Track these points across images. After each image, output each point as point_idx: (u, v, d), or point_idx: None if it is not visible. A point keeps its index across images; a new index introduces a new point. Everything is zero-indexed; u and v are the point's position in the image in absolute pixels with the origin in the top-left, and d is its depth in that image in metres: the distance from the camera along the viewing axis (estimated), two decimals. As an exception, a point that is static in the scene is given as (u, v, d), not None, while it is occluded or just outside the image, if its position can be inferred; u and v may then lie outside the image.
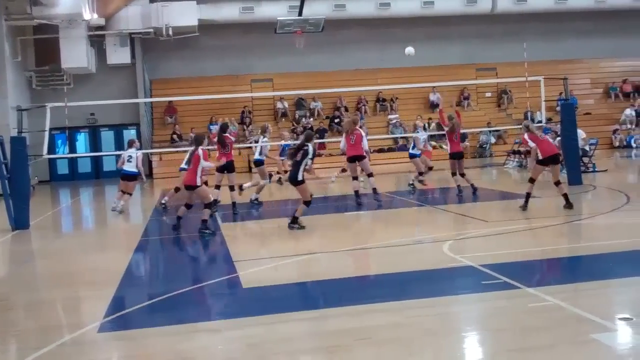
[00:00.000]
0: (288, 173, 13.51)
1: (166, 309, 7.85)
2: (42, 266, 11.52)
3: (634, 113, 33.19)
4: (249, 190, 17.28)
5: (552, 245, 10.24)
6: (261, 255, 10.69)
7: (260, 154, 17.20)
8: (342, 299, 7.88)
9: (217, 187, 16.13)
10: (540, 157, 13.38)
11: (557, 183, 13.49)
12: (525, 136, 13.81)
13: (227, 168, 15.76)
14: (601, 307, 6.80)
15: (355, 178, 16.04)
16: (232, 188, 15.95)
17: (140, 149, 18.38)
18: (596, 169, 20.75)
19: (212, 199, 13.09)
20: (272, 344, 6.33)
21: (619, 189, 16.78)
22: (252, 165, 18.31)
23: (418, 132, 20.13)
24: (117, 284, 9.02)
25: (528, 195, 13.51)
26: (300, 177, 12.40)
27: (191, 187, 12.84)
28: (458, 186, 16.57)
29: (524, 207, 13.44)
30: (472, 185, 16.65)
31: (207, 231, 12.61)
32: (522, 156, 24.48)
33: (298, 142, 13.60)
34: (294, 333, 6.63)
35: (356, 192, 15.80)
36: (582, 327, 6.19)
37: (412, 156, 19.05)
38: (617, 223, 12.00)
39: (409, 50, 18.73)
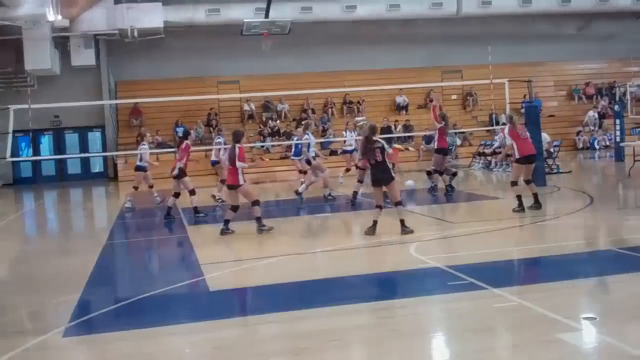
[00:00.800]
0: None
1: (132, 313, 7.79)
2: (5, 271, 11.34)
3: (596, 115, 33.64)
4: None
5: (517, 246, 10.35)
6: (228, 258, 10.64)
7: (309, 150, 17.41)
8: (311, 301, 7.89)
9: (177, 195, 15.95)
10: (517, 156, 13.25)
11: (528, 182, 13.44)
12: (506, 130, 13.64)
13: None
14: (566, 307, 6.89)
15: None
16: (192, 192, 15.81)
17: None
18: (560, 171, 21.00)
19: (256, 196, 12.93)
20: (239, 346, 6.31)
21: (582, 190, 17.01)
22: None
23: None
24: (82, 288, 8.92)
25: (520, 198, 13.17)
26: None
27: (234, 186, 12.64)
28: (447, 186, 16.81)
29: (521, 209, 13.06)
30: (448, 185, 16.82)
31: (264, 227, 12.49)
32: (487, 158, 24.74)
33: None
34: (261, 335, 6.62)
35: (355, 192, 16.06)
36: (547, 326, 6.25)
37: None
38: (581, 224, 12.16)
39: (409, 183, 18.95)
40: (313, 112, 33.13)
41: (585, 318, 6.42)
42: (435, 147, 17.24)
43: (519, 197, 13.16)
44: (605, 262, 8.95)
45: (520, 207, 13.05)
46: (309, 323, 6.93)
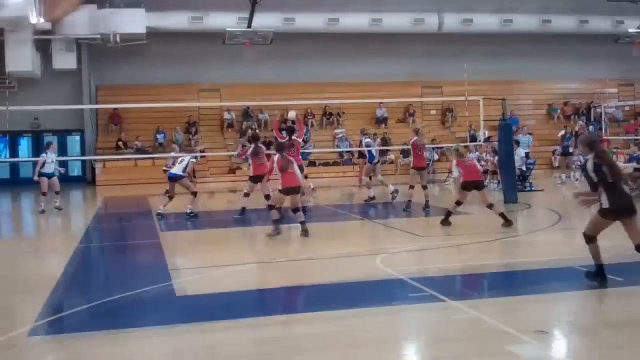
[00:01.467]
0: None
1: (98, 315, 7.92)
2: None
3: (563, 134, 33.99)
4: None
5: (480, 260, 10.55)
6: (197, 264, 10.77)
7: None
8: (274, 308, 8.09)
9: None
10: (461, 180, 13.91)
11: (490, 206, 13.73)
12: (454, 162, 14.19)
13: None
14: (520, 321, 7.10)
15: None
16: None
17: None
18: (532, 188, 21.28)
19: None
20: (199, 350, 6.45)
21: (552, 208, 17.27)
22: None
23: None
24: (50, 289, 9.03)
25: (449, 213, 13.87)
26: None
27: (296, 189, 13.13)
28: (426, 201, 16.96)
29: (446, 222, 13.78)
30: (427, 201, 17.06)
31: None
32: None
33: None
34: (221, 340, 6.77)
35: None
36: (498, 339, 6.45)
37: None
38: (544, 240, 12.41)
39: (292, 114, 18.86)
40: (293, 122, 33.20)
41: (536, 331, 6.62)
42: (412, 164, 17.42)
43: (448, 212, 13.89)
44: (564, 278, 9.16)
45: (508, 221, 13.40)
46: (267, 330, 7.10)
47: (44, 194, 18.71)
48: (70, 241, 13.52)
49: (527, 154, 24.21)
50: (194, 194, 16.70)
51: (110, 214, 17.08)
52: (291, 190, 12.89)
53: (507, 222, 13.43)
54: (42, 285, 9.23)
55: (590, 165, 8.38)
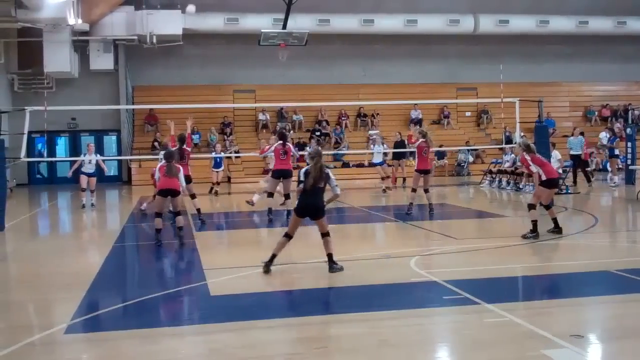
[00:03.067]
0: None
1: (133, 314, 8.02)
2: (15, 268, 11.63)
3: (607, 136, 33.54)
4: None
5: (515, 263, 10.48)
6: (231, 264, 10.83)
7: None
8: (308, 309, 8.10)
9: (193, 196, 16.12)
10: (545, 179, 12.48)
11: (548, 207, 13.03)
12: (527, 157, 12.71)
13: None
14: (555, 325, 7.03)
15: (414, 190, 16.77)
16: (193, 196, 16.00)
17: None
18: (569, 191, 21.06)
19: None
20: (234, 349, 6.50)
21: (589, 211, 17.10)
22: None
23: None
24: (87, 287, 9.16)
25: (535, 223, 12.39)
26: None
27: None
28: (430, 204, 16.75)
29: (535, 234, 12.32)
30: (430, 204, 16.80)
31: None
32: (492, 175, 24.90)
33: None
34: (255, 340, 6.80)
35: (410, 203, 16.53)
36: (534, 342, 6.40)
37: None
38: (581, 244, 12.27)
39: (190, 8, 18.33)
40: (327, 123, 33.33)
41: (572, 336, 6.55)
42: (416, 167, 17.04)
43: (534, 222, 12.39)
44: (600, 283, 9.06)
45: (535, 233, 12.31)
46: (300, 330, 7.13)
47: (83, 190, 19.99)
48: (106, 240, 13.69)
49: (578, 156, 23.94)
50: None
51: (145, 213, 17.21)
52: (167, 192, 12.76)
53: (557, 229, 12.71)
54: (79, 283, 9.36)
55: None
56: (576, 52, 36.11)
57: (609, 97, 37.09)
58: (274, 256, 9.77)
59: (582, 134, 24.76)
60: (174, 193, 12.77)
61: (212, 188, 24.08)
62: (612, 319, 7.46)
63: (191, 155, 15.98)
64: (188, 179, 15.53)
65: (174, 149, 14.61)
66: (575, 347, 6.25)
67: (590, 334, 6.87)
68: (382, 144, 24.33)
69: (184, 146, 15.69)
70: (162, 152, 14.19)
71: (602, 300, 8.13)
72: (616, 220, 16.58)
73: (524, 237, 12.30)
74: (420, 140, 17.03)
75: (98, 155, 21.23)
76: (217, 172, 24.35)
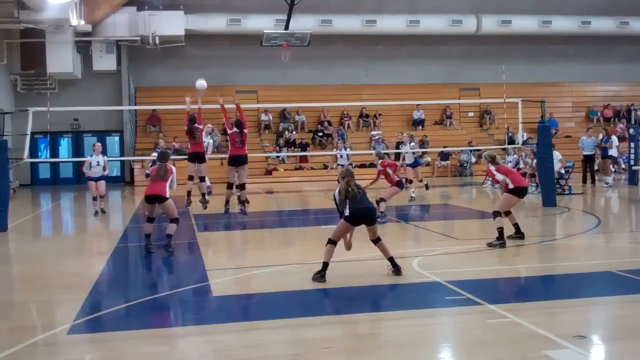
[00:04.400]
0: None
1: (136, 314, 8.03)
2: (17, 269, 11.64)
3: (613, 137, 33.49)
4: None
5: (517, 264, 10.48)
6: (234, 264, 10.85)
7: None
8: (311, 309, 8.10)
9: (190, 177, 15.92)
10: (512, 187, 12.18)
11: (508, 213, 12.50)
12: (492, 168, 12.58)
13: (198, 158, 15.76)
14: (558, 325, 7.02)
15: None
16: (202, 179, 15.90)
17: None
18: (572, 192, 21.04)
19: None
20: (237, 350, 6.50)
21: (592, 212, 17.09)
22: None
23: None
24: (89, 288, 9.17)
25: (502, 231, 11.80)
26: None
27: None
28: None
29: (502, 243, 11.69)
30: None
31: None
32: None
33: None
34: (258, 340, 6.80)
35: None
36: (536, 343, 6.40)
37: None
38: (583, 245, 12.27)
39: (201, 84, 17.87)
40: (329, 124, 33.34)
41: (575, 336, 6.55)
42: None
43: (500, 230, 11.80)
44: (602, 283, 9.05)
45: (501, 240, 11.68)
46: (303, 331, 7.13)
47: (94, 198, 18.25)
48: (109, 241, 13.71)
49: (589, 157, 23.92)
50: None
51: (137, 214, 17.24)
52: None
53: (520, 234, 12.34)
54: (82, 284, 9.37)
55: None
56: (579, 52, 36.09)
57: (611, 98, 37.05)
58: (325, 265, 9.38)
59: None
60: (159, 199, 11.87)
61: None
62: (615, 319, 7.45)
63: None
64: (201, 158, 15.65)
65: (168, 149, 14.25)
66: (578, 348, 6.24)
67: (593, 335, 6.87)
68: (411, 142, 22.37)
69: (195, 124, 15.71)
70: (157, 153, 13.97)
71: (605, 301, 8.12)
72: (619, 220, 16.56)
73: (490, 245, 11.73)
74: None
75: (105, 156, 19.71)
76: None
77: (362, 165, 31.15)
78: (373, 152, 14.74)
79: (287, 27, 29.01)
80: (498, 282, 9.26)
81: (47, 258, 12.22)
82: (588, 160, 24.09)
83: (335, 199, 9.53)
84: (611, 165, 26.08)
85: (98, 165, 18.33)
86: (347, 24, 32.55)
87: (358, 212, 9.34)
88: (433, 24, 33.24)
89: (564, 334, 6.62)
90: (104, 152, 31.69)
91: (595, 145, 23.99)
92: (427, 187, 21.71)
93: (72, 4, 27.27)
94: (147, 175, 16.65)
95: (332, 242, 9.44)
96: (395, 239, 13.77)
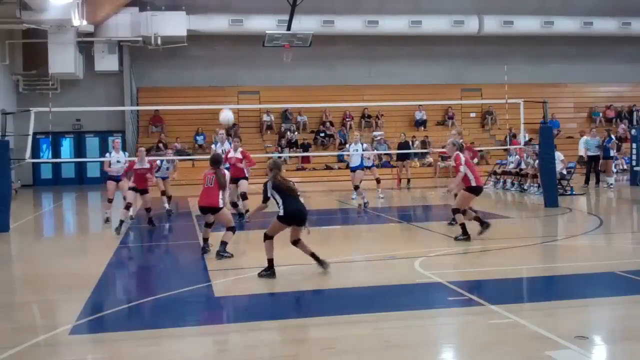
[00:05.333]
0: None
1: (138, 315, 8.03)
2: (19, 269, 11.64)
3: (614, 138, 33.47)
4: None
5: (519, 265, 10.46)
6: (236, 265, 10.84)
7: None
8: (313, 310, 8.11)
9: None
10: (474, 185, 12.48)
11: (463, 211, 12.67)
12: (462, 157, 12.50)
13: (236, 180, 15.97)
14: (560, 326, 7.02)
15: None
16: (244, 196, 16.08)
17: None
18: (574, 192, 21.02)
19: None
20: (239, 350, 6.51)
21: (594, 212, 17.07)
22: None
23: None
24: (91, 288, 9.17)
25: (464, 226, 12.35)
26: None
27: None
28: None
29: (467, 237, 12.25)
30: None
31: None
32: (497, 176, 24.88)
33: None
34: (260, 341, 6.80)
35: None
36: (539, 344, 6.39)
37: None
38: (585, 245, 12.26)
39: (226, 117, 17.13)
40: (331, 124, 33.36)
41: (577, 337, 6.54)
42: None
43: (463, 225, 12.34)
44: (605, 284, 9.04)
45: (466, 235, 12.22)
46: (305, 331, 7.14)
47: (110, 200, 17.03)
48: (111, 241, 13.70)
49: (594, 157, 23.89)
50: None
51: (140, 214, 17.22)
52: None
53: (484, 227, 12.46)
54: (84, 284, 9.37)
55: None
56: (581, 53, 36.09)
57: (614, 98, 37.04)
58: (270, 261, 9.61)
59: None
60: (213, 210, 11.50)
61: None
62: (617, 320, 7.44)
63: (192, 157, 15.68)
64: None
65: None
66: (580, 349, 6.23)
67: (595, 336, 6.86)
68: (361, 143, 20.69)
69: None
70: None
71: (607, 302, 8.11)
72: (621, 221, 16.54)
73: (456, 239, 12.21)
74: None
75: (126, 153, 18.60)
76: None
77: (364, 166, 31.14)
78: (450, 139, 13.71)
79: (289, 28, 29.02)
80: (500, 282, 9.24)
81: (49, 258, 12.23)
82: (592, 160, 24.05)
83: (266, 189, 9.73)
84: (613, 166, 26.06)
85: (118, 163, 16.96)
86: (349, 24, 32.56)
87: (294, 212, 9.59)
88: (435, 24, 33.24)
89: (565, 334, 6.61)
90: (105, 154, 32.00)
91: (597, 146, 23.95)
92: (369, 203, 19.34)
93: (74, 4, 27.30)
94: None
95: (268, 237, 9.74)
96: (397, 239, 13.78)
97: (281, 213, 9.55)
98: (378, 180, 20.72)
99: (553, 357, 6.00)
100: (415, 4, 32.88)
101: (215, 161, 11.53)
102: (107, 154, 17.75)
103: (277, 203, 9.58)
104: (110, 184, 17.00)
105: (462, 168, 12.37)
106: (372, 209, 18.21)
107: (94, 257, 12.09)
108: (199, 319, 7.88)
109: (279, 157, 30.68)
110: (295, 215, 9.61)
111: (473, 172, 12.49)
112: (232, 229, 11.43)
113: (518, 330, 6.87)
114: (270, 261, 9.56)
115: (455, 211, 12.49)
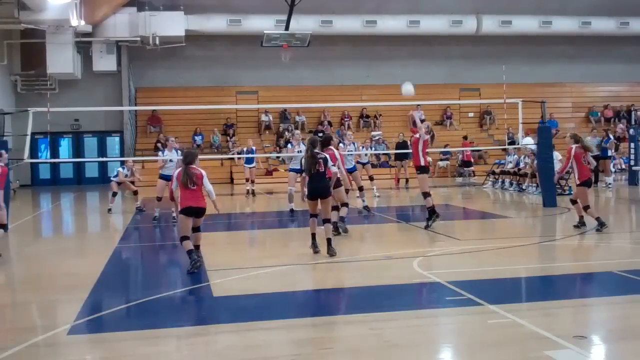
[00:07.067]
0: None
1: (136, 315, 8.03)
2: (18, 269, 11.63)
3: (612, 138, 33.47)
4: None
5: (518, 264, 10.47)
6: (234, 265, 10.83)
7: None
8: (311, 310, 8.11)
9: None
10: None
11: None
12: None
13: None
14: (558, 326, 7.02)
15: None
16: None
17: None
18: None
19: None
20: (237, 350, 6.50)
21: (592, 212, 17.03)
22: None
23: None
24: (90, 288, 9.16)
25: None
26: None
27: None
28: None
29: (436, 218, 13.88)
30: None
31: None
32: (496, 176, 24.90)
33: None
34: (259, 341, 6.80)
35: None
36: (537, 343, 6.39)
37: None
38: (584, 245, 12.27)
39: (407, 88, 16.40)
40: (330, 124, 33.35)
41: (575, 337, 6.55)
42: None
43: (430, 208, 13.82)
44: (603, 283, 9.06)
45: (435, 214, 13.85)
46: (303, 331, 7.14)
47: (159, 199, 16.37)
48: (109, 241, 13.72)
49: (594, 157, 23.83)
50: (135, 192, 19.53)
51: (148, 214, 17.21)
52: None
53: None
54: (83, 284, 9.36)
55: None
56: (579, 52, 36.12)
57: (612, 98, 37.06)
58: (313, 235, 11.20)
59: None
60: (201, 212, 10.55)
61: (248, 190, 23.55)
62: (615, 320, 7.44)
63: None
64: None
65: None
66: (579, 348, 6.23)
67: (593, 335, 6.86)
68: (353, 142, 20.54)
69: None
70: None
71: (606, 301, 8.12)
72: (619, 221, 16.55)
73: (427, 226, 13.78)
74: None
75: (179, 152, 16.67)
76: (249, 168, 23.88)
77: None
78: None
79: (287, 28, 29.02)
80: (498, 282, 9.24)
81: (48, 258, 12.22)
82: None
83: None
84: (611, 166, 26.06)
85: (171, 162, 16.11)
86: (347, 24, 32.56)
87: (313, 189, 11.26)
88: (433, 24, 33.26)
89: (564, 334, 6.61)
90: (104, 153, 32.02)
91: (596, 146, 23.95)
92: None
93: (72, 4, 27.31)
94: (163, 177, 16.09)
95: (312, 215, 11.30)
96: (395, 239, 13.80)
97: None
98: (371, 178, 20.77)
99: (552, 357, 6.00)
100: (414, 4, 32.88)
101: (187, 158, 10.64)
102: (160, 153, 17.59)
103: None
104: (161, 183, 16.29)
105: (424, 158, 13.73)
106: (370, 208, 18.19)
107: (92, 257, 12.08)
108: (198, 319, 7.88)
109: (278, 157, 30.77)
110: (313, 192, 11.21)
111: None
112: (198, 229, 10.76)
113: (517, 330, 6.87)
114: (313, 235, 11.21)
115: (426, 194, 13.76)
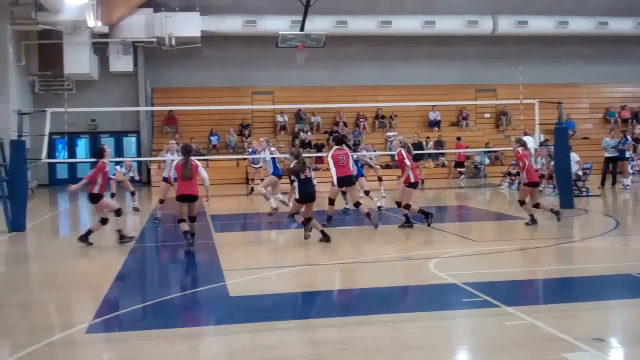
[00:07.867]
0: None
1: (153, 314, 8.05)
2: (36, 268, 11.71)
3: (630, 139, 33.23)
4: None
5: (535, 266, 10.43)
6: (251, 265, 10.85)
7: None
8: (327, 310, 8.12)
9: None
10: (413, 181, 14.42)
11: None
12: (404, 152, 14.31)
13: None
14: (576, 328, 6.97)
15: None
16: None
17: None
18: (589, 194, 20.91)
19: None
20: (253, 350, 6.50)
21: (610, 214, 16.97)
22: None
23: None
24: (107, 287, 9.21)
25: (408, 217, 14.50)
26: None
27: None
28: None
29: (411, 225, 14.49)
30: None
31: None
32: (512, 178, 24.79)
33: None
34: (275, 341, 6.80)
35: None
36: (554, 346, 6.36)
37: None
38: (600, 247, 12.18)
39: None
40: (345, 125, 33.35)
41: (593, 339, 6.51)
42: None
43: (406, 215, 14.49)
44: (621, 286, 9.00)
45: (410, 223, 14.47)
46: (319, 332, 7.14)
47: (161, 201, 16.87)
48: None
49: (612, 158, 23.71)
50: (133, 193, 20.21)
51: (165, 214, 17.25)
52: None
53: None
54: (100, 283, 9.41)
55: None
56: (596, 53, 35.91)
57: (629, 99, 36.84)
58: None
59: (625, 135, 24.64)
60: (193, 198, 12.06)
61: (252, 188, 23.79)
62: (633, 322, 7.38)
63: (210, 156, 15.26)
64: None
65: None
66: (597, 351, 6.20)
67: (611, 338, 6.82)
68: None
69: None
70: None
71: (624, 304, 8.06)
72: (637, 223, 16.44)
73: (401, 226, 14.52)
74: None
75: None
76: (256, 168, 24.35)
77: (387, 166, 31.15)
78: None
79: (302, 29, 29.02)
80: (515, 284, 9.21)
81: (65, 257, 12.28)
82: (611, 161, 23.88)
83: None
84: (629, 167, 25.88)
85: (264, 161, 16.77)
86: (362, 25, 32.56)
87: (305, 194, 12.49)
88: (449, 24, 33.19)
89: (582, 336, 6.57)
90: (120, 153, 32.12)
91: (613, 147, 23.81)
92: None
93: (89, 5, 27.46)
94: (165, 179, 16.60)
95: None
96: (411, 240, 13.76)
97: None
98: (380, 179, 20.74)
99: (569, 359, 5.97)
100: (429, 4, 32.83)
101: (187, 151, 12.32)
102: (249, 152, 17.90)
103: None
104: (164, 185, 16.84)
105: (408, 162, 14.08)
106: (386, 210, 18.17)
107: (109, 257, 12.14)
108: (214, 318, 7.89)
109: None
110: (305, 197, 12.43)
111: (413, 170, 14.34)
112: (194, 219, 12.24)
113: (534, 332, 6.84)
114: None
115: (399, 204, 14.51)
